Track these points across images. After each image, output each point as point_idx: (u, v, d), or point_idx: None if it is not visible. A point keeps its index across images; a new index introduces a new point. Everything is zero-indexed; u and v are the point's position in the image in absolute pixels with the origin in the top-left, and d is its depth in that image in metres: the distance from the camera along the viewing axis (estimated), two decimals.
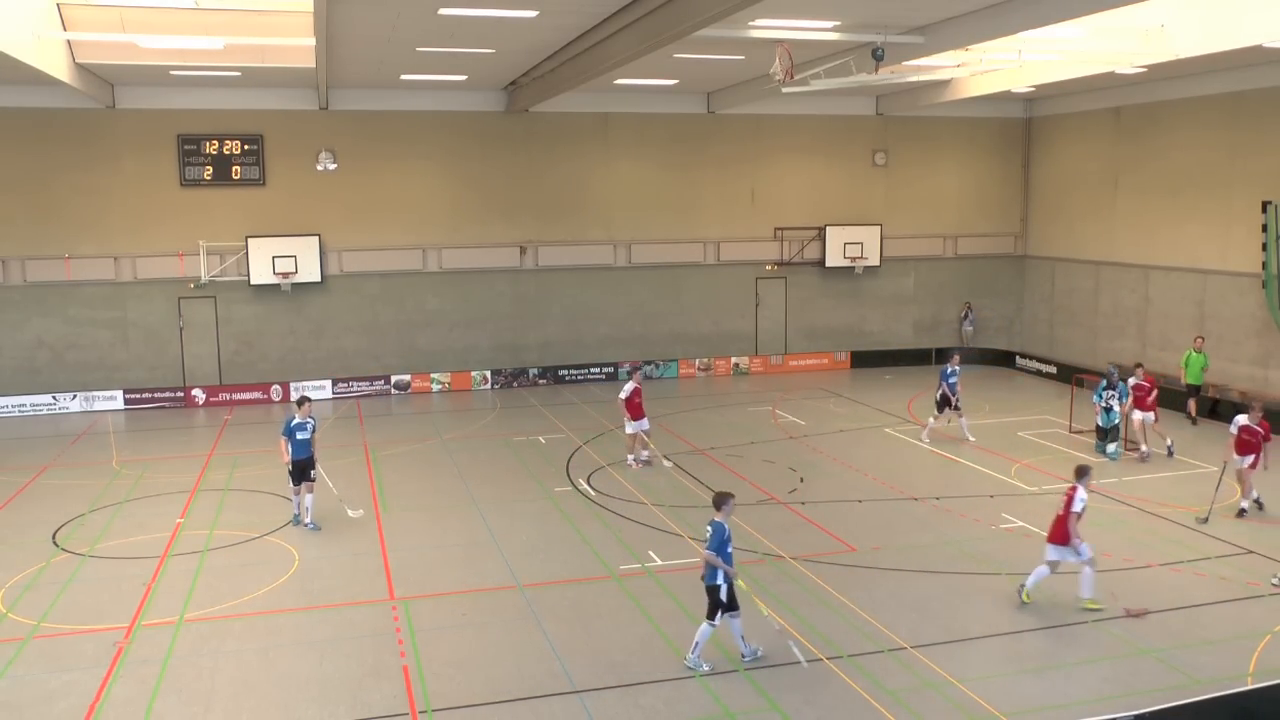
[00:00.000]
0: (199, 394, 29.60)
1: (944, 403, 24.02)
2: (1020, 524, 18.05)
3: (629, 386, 21.82)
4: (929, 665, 12.64)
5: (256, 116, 29.50)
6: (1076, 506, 14.06)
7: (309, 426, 17.99)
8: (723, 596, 12.46)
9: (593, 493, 20.28)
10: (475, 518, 18.79)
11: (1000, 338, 35.97)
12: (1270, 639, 13.31)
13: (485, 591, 15.19)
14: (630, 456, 22.15)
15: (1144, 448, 22.10)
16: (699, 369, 33.42)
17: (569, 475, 21.58)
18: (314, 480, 18.13)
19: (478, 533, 17.94)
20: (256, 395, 29.99)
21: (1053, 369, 32.35)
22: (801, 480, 21.00)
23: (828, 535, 17.10)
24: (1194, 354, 25.80)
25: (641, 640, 13.44)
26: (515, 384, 31.96)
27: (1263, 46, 20.54)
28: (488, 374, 31.87)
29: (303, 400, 18.62)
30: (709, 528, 12.60)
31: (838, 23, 20.32)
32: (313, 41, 21.54)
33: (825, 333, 35.11)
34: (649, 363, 32.98)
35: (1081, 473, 14.45)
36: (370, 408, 29.11)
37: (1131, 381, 22.36)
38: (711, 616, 12.54)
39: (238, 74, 26.12)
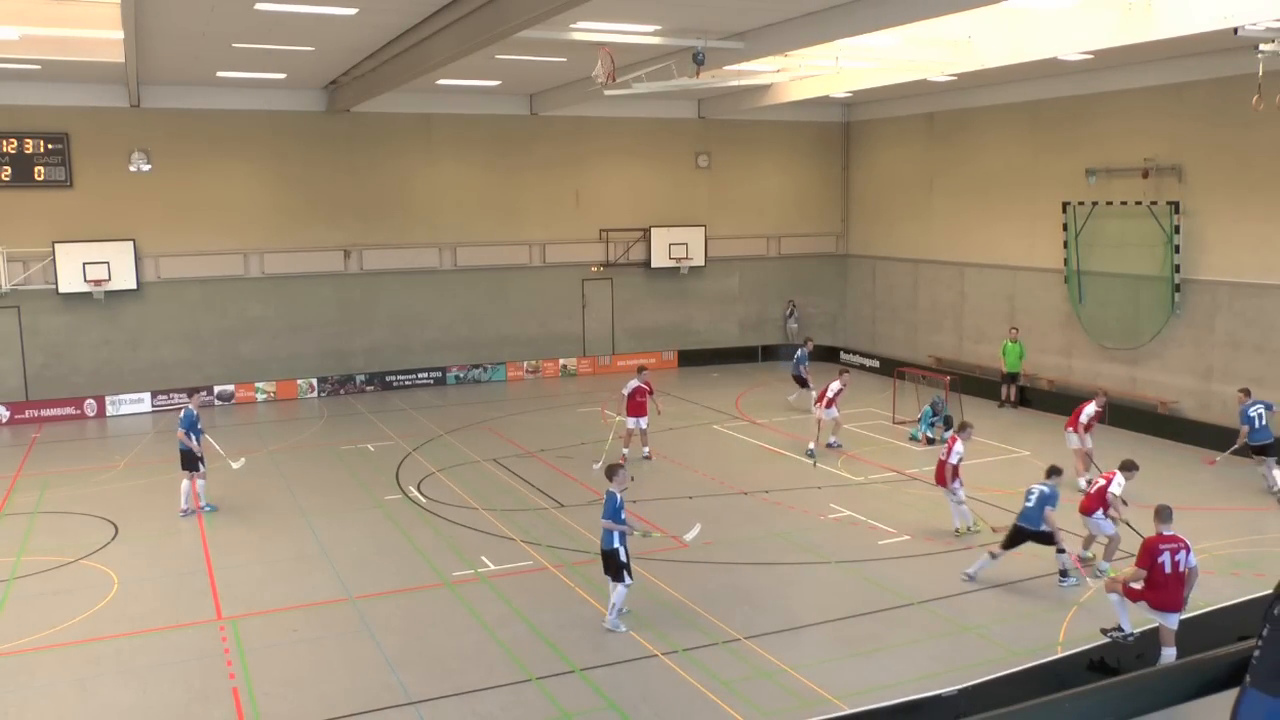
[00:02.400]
0: (1, 411, 27.87)
1: (803, 382, 27.06)
2: (847, 513, 18.63)
3: (632, 384, 22.41)
4: (762, 655, 12.93)
5: (61, 114, 27.87)
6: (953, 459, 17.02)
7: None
8: (624, 558, 13.61)
9: (423, 499, 20.01)
10: (304, 530, 18.29)
11: (824, 334, 36.96)
12: (1076, 609, 14.18)
13: (316, 606, 14.80)
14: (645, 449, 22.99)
15: (811, 445, 22.89)
16: (527, 371, 33.33)
17: (399, 483, 21.22)
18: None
19: (307, 545, 17.46)
20: (69, 411, 28.37)
21: (875, 363, 33.51)
22: (632, 479, 21.05)
23: (659, 532, 17.28)
24: (1010, 344, 27.79)
25: (476, 646, 13.34)
26: (342, 391, 31.21)
27: (1057, 59, 22.12)
28: (314, 382, 31.03)
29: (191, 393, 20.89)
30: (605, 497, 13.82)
31: (659, 27, 20.54)
32: (121, 35, 20.55)
33: (652, 332, 35.46)
34: (477, 366, 32.72)
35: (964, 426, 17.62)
36: None
37: (836, 386, 23.09)
38: (619, 578, 13.61)
39: (37, 67, 24.68)
